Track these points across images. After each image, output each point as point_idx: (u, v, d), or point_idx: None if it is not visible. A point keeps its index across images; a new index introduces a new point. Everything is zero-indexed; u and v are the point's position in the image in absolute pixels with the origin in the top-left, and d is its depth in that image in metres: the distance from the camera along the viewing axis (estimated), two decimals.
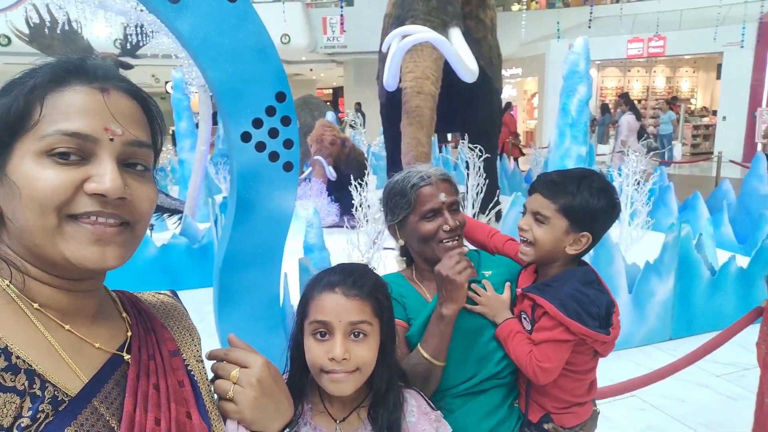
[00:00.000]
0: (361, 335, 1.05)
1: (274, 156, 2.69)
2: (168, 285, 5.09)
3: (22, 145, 0.63)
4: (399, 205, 1.41)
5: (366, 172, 4.60)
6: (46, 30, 6.79)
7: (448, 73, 5.49)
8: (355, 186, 4.32)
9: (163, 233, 6.61)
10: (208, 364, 0.85)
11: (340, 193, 6.93)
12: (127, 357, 0.70)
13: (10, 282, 0.65)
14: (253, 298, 2.82)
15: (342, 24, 17.09)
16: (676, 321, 4.21)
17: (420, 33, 5.07)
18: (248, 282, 2.78)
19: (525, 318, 1.39)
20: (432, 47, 5.30)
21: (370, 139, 12.08)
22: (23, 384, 0.59)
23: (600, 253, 3.92)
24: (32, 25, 7.04)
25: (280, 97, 2.67)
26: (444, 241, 1.40)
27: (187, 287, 5.20)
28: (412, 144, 5.08)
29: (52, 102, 0.63)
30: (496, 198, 6.15)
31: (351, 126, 12.57)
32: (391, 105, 6.23)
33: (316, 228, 4.93)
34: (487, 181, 5.90)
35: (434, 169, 1.44)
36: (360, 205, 4.26)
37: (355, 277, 1.07)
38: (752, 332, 2.44)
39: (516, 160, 12.56)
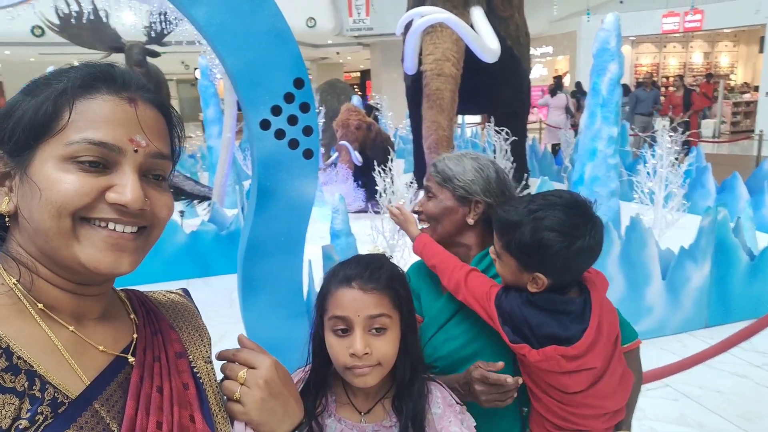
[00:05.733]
0: (382, 329, 1.04)
1: (293, 143, 2.66)
2: (197, 271, 5.16)
3: (46, 148, 0.63)
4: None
5: (390, 157, 4.53)
6: (73, 20, 6.88)
7: (472, 53, 5.37)
8: (379, 171, 4.27)
9: (192, 220, 6.68)
10: (218, 365, 0.83)
11: (366, 177, 6.90)
12: (131, 359, 0.70)
13: (17, 281, 0.65)
14: (276, 286, 2.81)
15: (368, 5, 16.94)
16: (712, 308, 4.06)
17: (432, 14, 4.96)
18: (271, 270, 2.77)
19: None
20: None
21: (396, 123, 11.97)
22: (23, 385, 0.59)
23: (632, 237, 3.80)
24: (61, 15, 7.14)
25: (299, 83, 2.63)
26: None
27: (216, 273, 5.26)
28: (432, 128, 5.01)
29: (80, 108, 0.63)
30: (524, 182, 6.03)
31: (376, 109, 12.49)
32: (415, 88, 6.16)
33: (342, 214, 4.91)
34: (515, 164, 5.78)
35: (446, 159, 1.46)
36: (384, 191, 4.21)
37: (371, 270, 1.05)
38: None
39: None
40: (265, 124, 2.60)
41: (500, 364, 1.20)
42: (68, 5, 7.07)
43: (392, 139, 10.57)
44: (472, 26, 5.50)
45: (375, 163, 5.75)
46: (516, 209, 1.25)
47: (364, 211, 6.44)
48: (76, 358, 0.65)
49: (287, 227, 2.74)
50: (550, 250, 1.19)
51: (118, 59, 8.63)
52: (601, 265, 3.87)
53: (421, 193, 1.52)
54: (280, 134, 2.62)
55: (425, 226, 1.46)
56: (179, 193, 6.76)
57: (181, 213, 6.90)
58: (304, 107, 2.65)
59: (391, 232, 4.00)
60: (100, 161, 0.64)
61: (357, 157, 6.89)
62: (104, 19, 7.10)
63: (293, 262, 2.82)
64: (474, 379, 1.21)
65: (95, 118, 0.64)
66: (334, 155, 7.18)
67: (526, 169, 7.23)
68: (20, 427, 0.57)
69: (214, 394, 0.77)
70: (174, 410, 0.68)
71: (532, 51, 7.76)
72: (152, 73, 8.43)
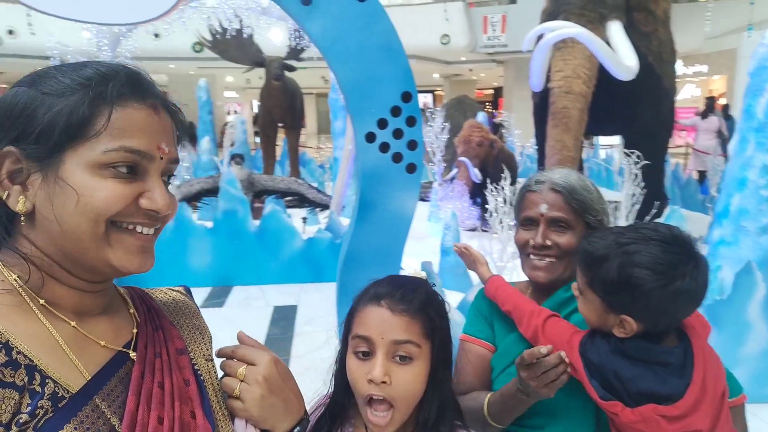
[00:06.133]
0: (407, 358, 0.93)
1: (397, 157, 2.65)
2: (311, 276, 5.33)
3: (78, 152, 0.64)
4: (514, 208, 1.36)
5: (502, 175, 4.37)
6: (222, 36, 7.53)
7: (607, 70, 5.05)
8: (491, 189, 4.13)
9: (313, 227, 6.96)
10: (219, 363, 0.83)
11: (484, 195, 6.74)
12: (132, 354, 0.70)
13: (18, 277, 0.65)
14: None
15: (503, 22, 16.70)
16: None
17: (563, 29, 4.72)
18: (367, 281, 2.76)
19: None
20: None
21: (523, 141, 11.62)
22: (23, 380, 0.59)
23: (743, 281, 3.29)
24: (213, 33, 7.85)
25: (406, 97, 2.62)
26: (531, 256, 1.25)
27: (328, 280, 5.40)
28: (556, 147, 4.77)
29: (116, 116, 0.65)
30: (657, 209, 5.51)
31: (502, 126, 12.20)
32: (543, 106, 5.91)
33: (453, 231, 4.83)
34: (646, 190, 5.32)
35: (559, 175, 1.26)
36: (495, 210, 4.07)
37: (404, 291, 0.96)
38: None
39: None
40: (370, 137, 2.61)
41: (544, 348, 1.07)
42: (220, 23, 7.75)
43: (517, 157, 10.28)
44: (608, 41, 5.18)
45: (493, 180, 5.59)
46: (603, 241, 1.10)
47: (477, 229, 6.29)
48: (77, 353, 0.65)
49: (386, 240, 2.73)
50: (640, 289, 1.03)
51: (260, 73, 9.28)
52: (742, 312, 3.41)
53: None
54: (384, 147, 2.63)
55: (547, 261, 1.24)
56: (303, 200, 7.08)
57: (304, 219, 7.23)
58: (411, 121, 2.63)
59: (500, 253, 3.84)
60: (132, 168, 0.66)
61: (476, 174, 6.76)
62: (246, 36, 7.68)
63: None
64: (518, 370, 1.09)
65: (130, 127, 0.65)
66: (453, 171, 7.11)
67: (663, 197, 6.62)
68: (20, 421, 0.58)
69: (215, 392, 0.77)
70: (175, 406, 0.69)
71: (683, 70, 7.13)
72: (288, 86, 8.97)
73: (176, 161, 0.71)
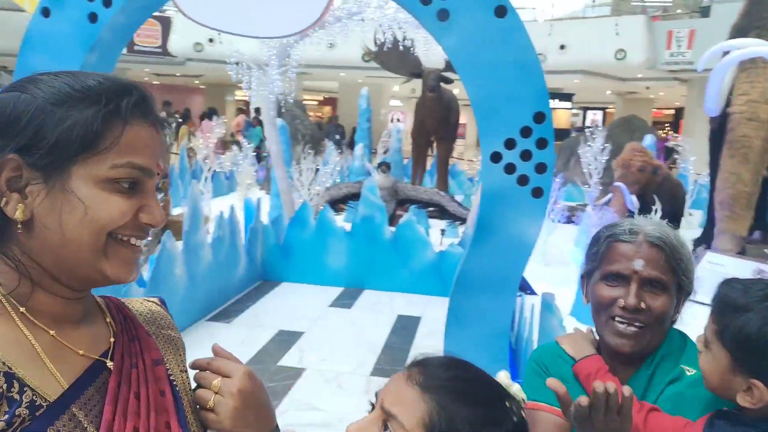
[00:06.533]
0: None
1: (523, 180, 2.51)
2: (439, 290, 5.27)
3: (87, 165, 0.65)
4: (589, 254, 1.15)
5: (653, 207, 3.90)
6: (385, 47, 7.80)
7: None
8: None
9: (451, 239, 6.91)
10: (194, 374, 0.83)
11: None
12: (109, 364, 0.70)
13: (0, 284, 0.66)
14: (482, 325, 2.69)
15: (691, 38, 15.16)
16: None
17: (752, 47, 4.13)
18: (479, 306, 2.66)
19: None
20: None
21: (699, 169, 10.42)
22: (1, 387, 0.60)
23: None
24: (377, 43, 8.16)
25: (539, 117, 2.47)
26: (616, 319, 1.06)
27: None
28: (729, 180, 4.22)
29: (127, 132, 0.66)
30: None
31: (675, 152, 11.05)
32: (721, 132, 5.25)
33: None
34: None
35: (654, 227, 1.09)
36: None
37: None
38: None
39: None
40: (495, 157, 2.51)
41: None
42: (384, 35, 8.04)
43: (689, 186, 9.22)
44: None
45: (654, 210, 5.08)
46: (746, 290, 0.94)
47: None
48: (55, 362, 0.65)
49: (502, 265, 2.60)
50: None
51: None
52: None
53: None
54: (510, 168, 2.51)
55: (636, 328, 1.06)
56: (443, 212, 7.08)
57: (442, 231, 7.21)
58: (541, 143, 2.49)
59: None
60: (134, 183, 0.67)
61: (632, 202, 6.20)
62: (406, 47, 7.86)
63: (503, 303, 2.66)
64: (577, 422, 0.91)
65: (137, 144, 0.67)
66: (607, 196, 6.59)
67: None
68: None
69: (189, 403, 0.77)
70: (151, 416, 0.69)
71: None
72: (444, 98, 9.02)
73: (166, 176, 0.75)
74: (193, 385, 0.80)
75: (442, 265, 5.29)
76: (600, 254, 1.11)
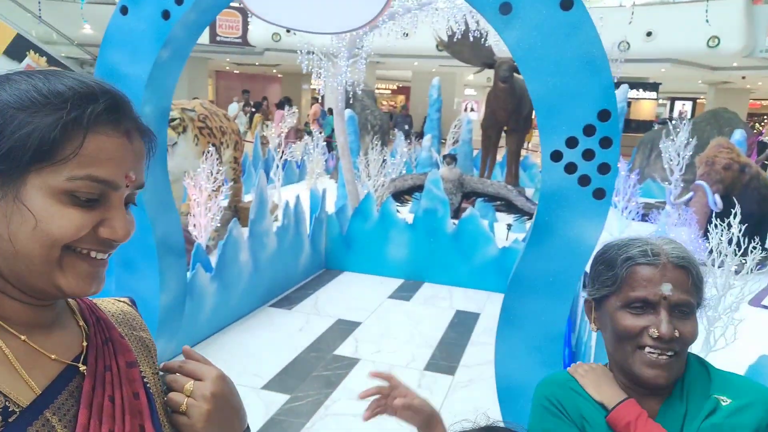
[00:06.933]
0: None
1: (584, 180, 2.40)
2: (501, 286, 5.19)
3: (42, 174, 0.61)
4: (601, 278, 1.05)
5: (733, 210, 3.60)
6: (457, 37, 7.68)
7: None
8: (716, 224, 3.47)
9: (518, 234, 6.75)
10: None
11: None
12: (82, 368, 0.69)
13: None
14: (535, 328, 2.61)
15: None
16: None
17: None
18: (532, 309, 2.59)
19: None
20: None
21: None
22: None
23: None
24: (449, 33, 8.06)
25: (604, 115, 2.35)
26: (646, 350, 0.98)
27: None
28: None
29: (88, 143, 0.62)
30: None
31: None
32: None
33: None
34: None
35: (673, 246, 1.01)
36: (717, 250, 3.42)
37: None
38: None
39: None
40: (556, 156, 2.42)
41: None
42: (456, 24, 7.92)
43: None
44: None
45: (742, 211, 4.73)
46: None
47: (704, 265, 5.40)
48: (27, 367, 0.65)
49: (559, 268, 2.51)
50: None
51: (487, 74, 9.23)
52: None
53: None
54: (570, 168, 2.41)
55: (669, 357, 0.97)
56: (510, 207, 6.92)
57: (509, 226, 7.06)
58: (605, 142, 2.37)
59: (715, 303, 3.24)
60: (96, 197, 0.64)
61: (715, 202, 5.80)
62: (479, 37, 7.70)
63: (558, 308, 2.57)
64: None
65: (99, 155, 0.63)
66: (688, 195, 6.20)
67: None
68: None
69: (161, 405, 0.77)
70: (126, 419, 0.68)
71: None
72: (516, 88, 8.79)
73: (141, 187, 0.69)
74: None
75: (504, 261, 5.18)
76: (618, 279, 1.01)
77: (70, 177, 0.61)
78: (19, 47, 13.81)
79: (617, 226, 5.72)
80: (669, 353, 0.97)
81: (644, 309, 0.99)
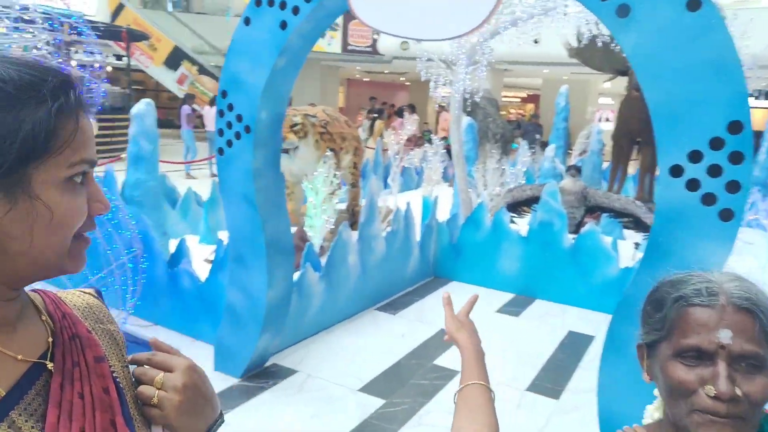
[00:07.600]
0: None
1: (709, 199, 2.15)
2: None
3: (47, 168, 0.61)
4: (650, 320, 0.90)
5: None
6: (587, 44, 7.29)
7: None
8: None
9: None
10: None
11: None
12: (50, 365, 0.67)
13: None
14: None
15: None
16: None
17: None
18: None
19: None
20: None
21: None
22: None
23: None
24: (579, 39, 7.68)
25: (735, 127, 2.09)
26: (702, 412, 0.80)
27: None
28: None
29: (79, 126, 0.64)
30: None
31: None
32: None
33: None
34: None
35: (737, 283, 0.83)
36: None
37: None
38: None
39: None
40: (676, 171, 2.20)
41: None
42: (589, 31, 7.53)
43: None
44: None
45: None
46: None
47: None
48: None
49: None
50: None
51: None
52: None
53: None
54: (693, 185, 2.17)
55: (732, 423, 0.80)
56: (638, 224, 6.42)
57: (636, 245, 6.54)
58: (736, 157, 2.11)
59: None
60: (82, 178, 0.66)
61: None
62: (610, 43, 7.25)
63: None
64: None
65: (84, 137, 0.64)
66: None
67: None
68: None
69: (132, 398, 0.75)
70: (96, 415, 0.67)
71: None
72: None
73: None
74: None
75: (626, 281, 4.80)
76: (668, 322, 0.85)
77: (69, 164, 0.62)
78: (176, 57, 15.42)
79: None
80: (732, 418, 0.79)
81: (700, 360, 0.82)
